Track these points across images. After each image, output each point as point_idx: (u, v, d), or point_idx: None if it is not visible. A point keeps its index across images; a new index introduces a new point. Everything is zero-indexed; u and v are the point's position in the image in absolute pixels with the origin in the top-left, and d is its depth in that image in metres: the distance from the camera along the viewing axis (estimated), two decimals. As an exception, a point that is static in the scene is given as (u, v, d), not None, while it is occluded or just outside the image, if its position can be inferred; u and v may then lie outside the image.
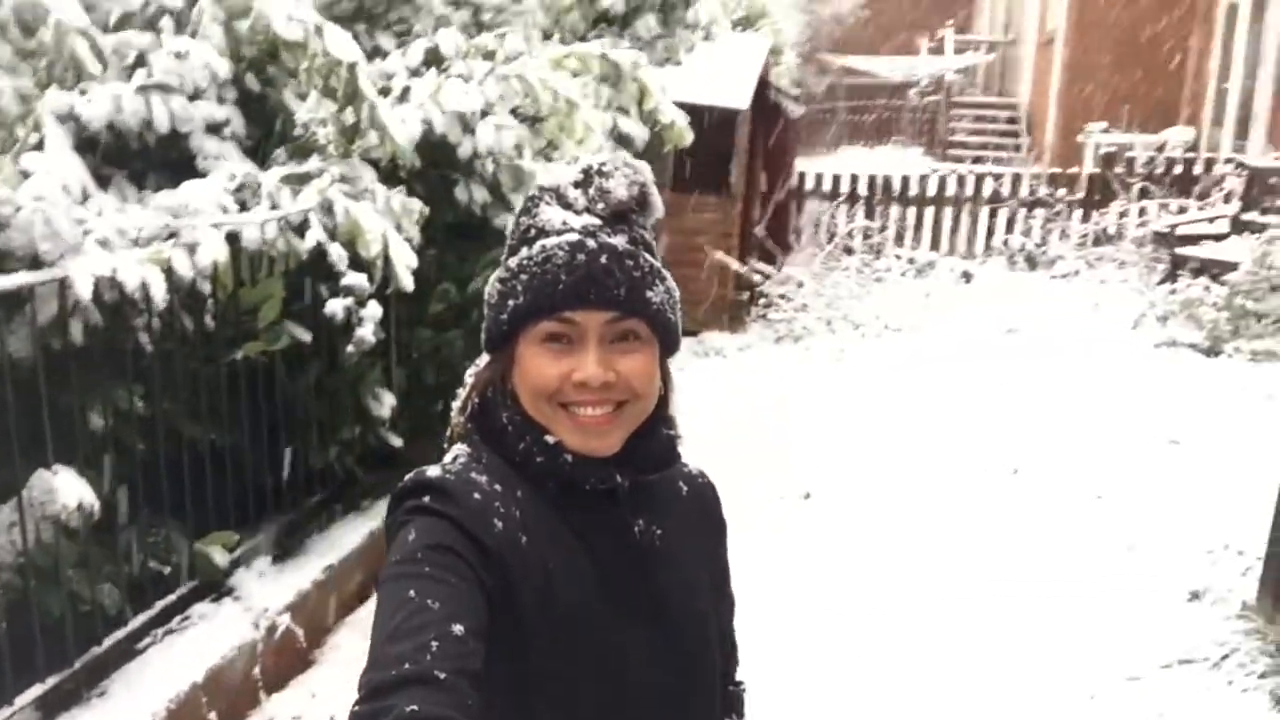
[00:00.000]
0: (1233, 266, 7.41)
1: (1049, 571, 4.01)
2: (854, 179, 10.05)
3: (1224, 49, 13.73)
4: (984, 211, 9.98)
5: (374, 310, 3.54)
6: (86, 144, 3.21)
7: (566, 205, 1.14)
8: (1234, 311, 6.56)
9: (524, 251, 1.13)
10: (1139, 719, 3.05)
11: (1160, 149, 11.68)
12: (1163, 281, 8.35)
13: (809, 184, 9.87)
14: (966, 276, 9.25)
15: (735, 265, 7.88)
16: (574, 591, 1.09)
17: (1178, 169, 9.61)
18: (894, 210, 10.06)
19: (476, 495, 1.08)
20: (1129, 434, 5.34)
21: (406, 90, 4.42)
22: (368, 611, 3.80)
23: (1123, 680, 3.24)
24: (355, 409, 3.99)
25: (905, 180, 10.17)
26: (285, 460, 3.67)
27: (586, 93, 5.31)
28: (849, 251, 9.38)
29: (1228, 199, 8.51)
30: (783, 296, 8.09)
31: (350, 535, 3.95)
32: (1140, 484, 4.72)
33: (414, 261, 3.73)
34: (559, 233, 1.11)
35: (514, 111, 4.88)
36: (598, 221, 1.12)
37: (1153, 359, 6.59)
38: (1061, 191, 9.82)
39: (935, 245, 10.05)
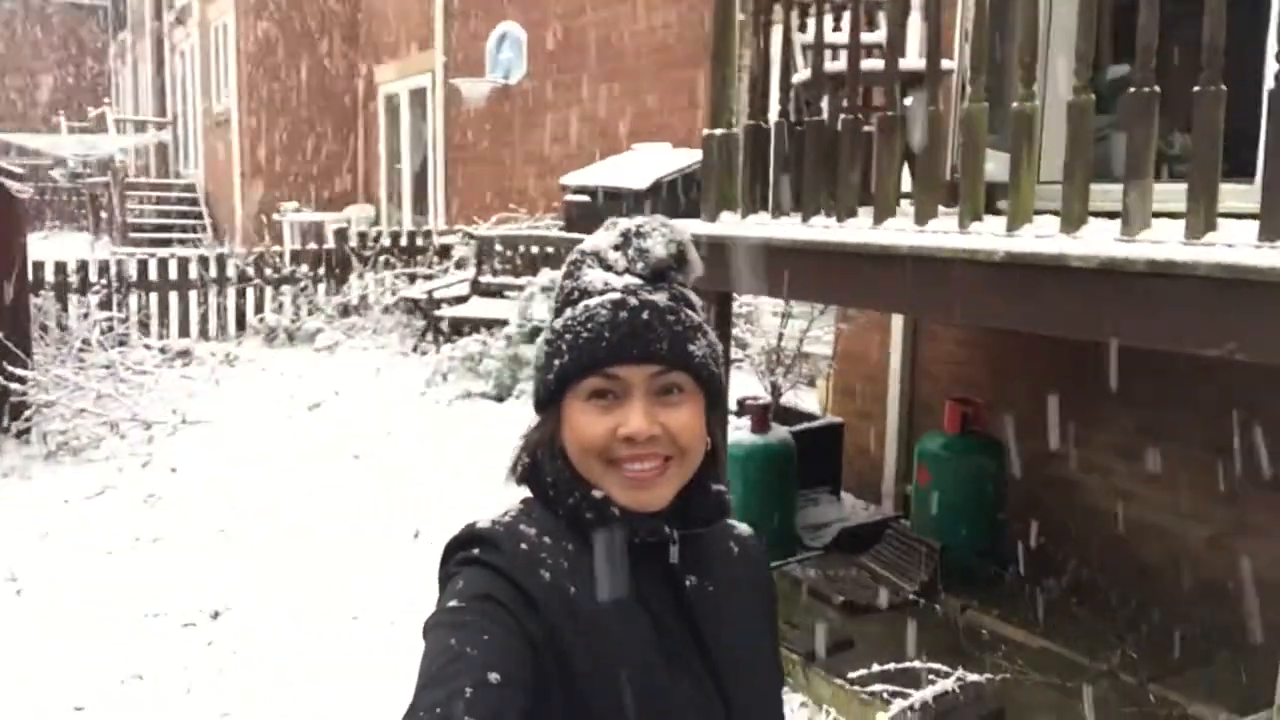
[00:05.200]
0: (481, 321, 8.48)
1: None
2: (83, 265, 8.99)
3: (390, 134, 15.40)
4: (232, 292, 9.75)
5: None
6: None
7: (607, 267, 1.17)
8: (509, 361, 7.50)
9: (568, 312, 1.16)
10: None
11: (347, 224, 12.70)
12: (419, 343, 9.14)
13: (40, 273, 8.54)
14: (230, 359, 8.96)
15: (-18, 375, 6.52)
16: (625, 643, 1.10)
17: (405, 241, 10.53)
18: (134, 299, 9.25)
19: (524, 546, 1.10)
20: (483, 479, 5.80)
21: None
22: None
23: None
24: None
25: (144, 265, 9.42)
26: None
27: None
28: (86, 344, 8.38)
29: (460, 265, 9.66)
30: (48, 404, 6.92)
31: None
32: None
33: None
34: (601, 292, 1.15)
35: None
36: (638, 281, 1.16)
37: (456, 411, 7.20)
38: (304, 268, 10.05)
39: (185, 331, 9.50)
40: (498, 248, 9.11)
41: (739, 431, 4.56)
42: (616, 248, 1.17)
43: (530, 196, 10.91)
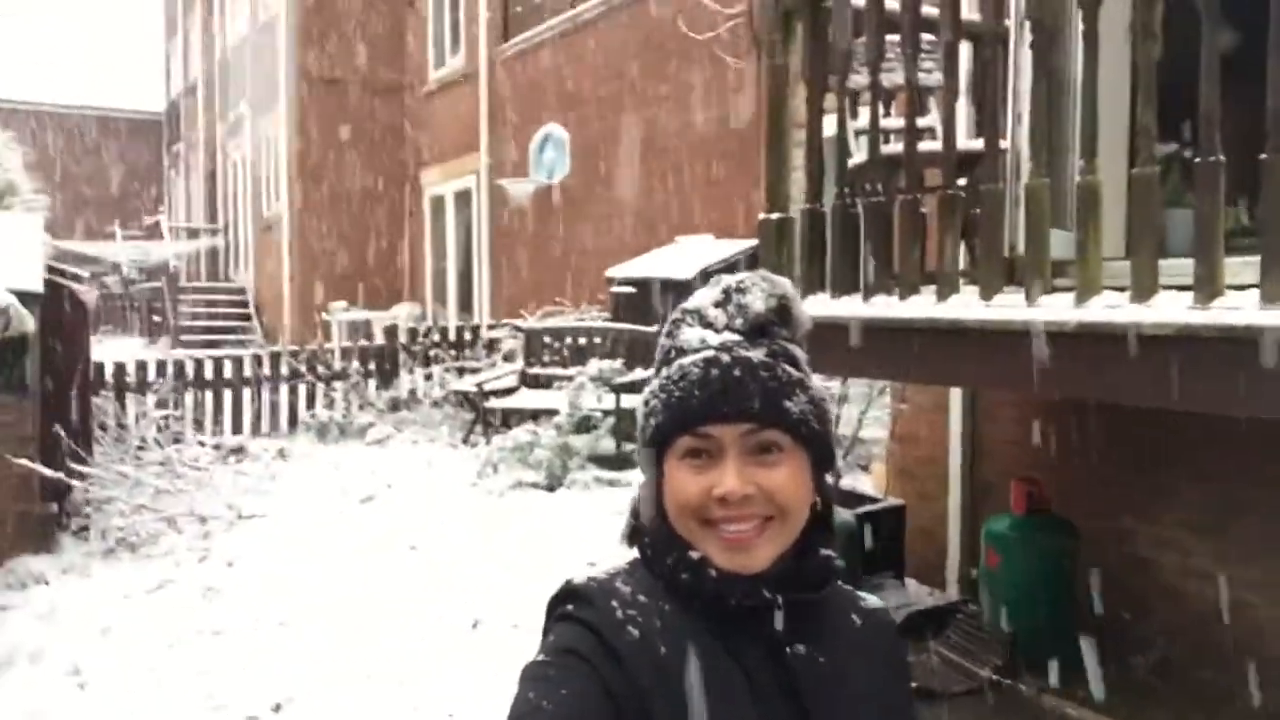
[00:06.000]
0: (530, 412, 8.55)
1: None
2: (141, 365, 9.21)
3: (436, 236, 15.76)
4: (285, 389, 9.91)
5: None
6: None
7: (707, 324, 1.16)
8: (559, 450, 7.53)
9: (664, 372, 1.16)
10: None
11: (395, 322, 12.93)
12: (469, 434, 9.20)
13: (100, 373, 8.76)
14: (283, 454, 9.05)
15: (46, 471, 6.63)
16: (719, 708, 1.07)
17: (453, 335, 10.70)
18: (189, 397, 9.43)
19: (614, 603, 1.10)
20: (536, 570, 5.77)
21: None
22: None
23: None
24: None
25: (199, 364, 9.63)
26: None
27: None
28: (143, 442, 8.54)
29: (508, 357, 9.78)
30: (107, 501, 7.01)
31: None
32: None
33: None
34: (696, 350, 1.14)
35: None
36: (736, 337, 1.14)
37: (508, 502, 7.20)
38: (355, 364, 10.21)
39: (238, 428, 9.64)
40: (545, 339, 9.22)
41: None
42: (717, 304, 1.16)
43: (575, 290, 11.07)
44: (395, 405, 10.08)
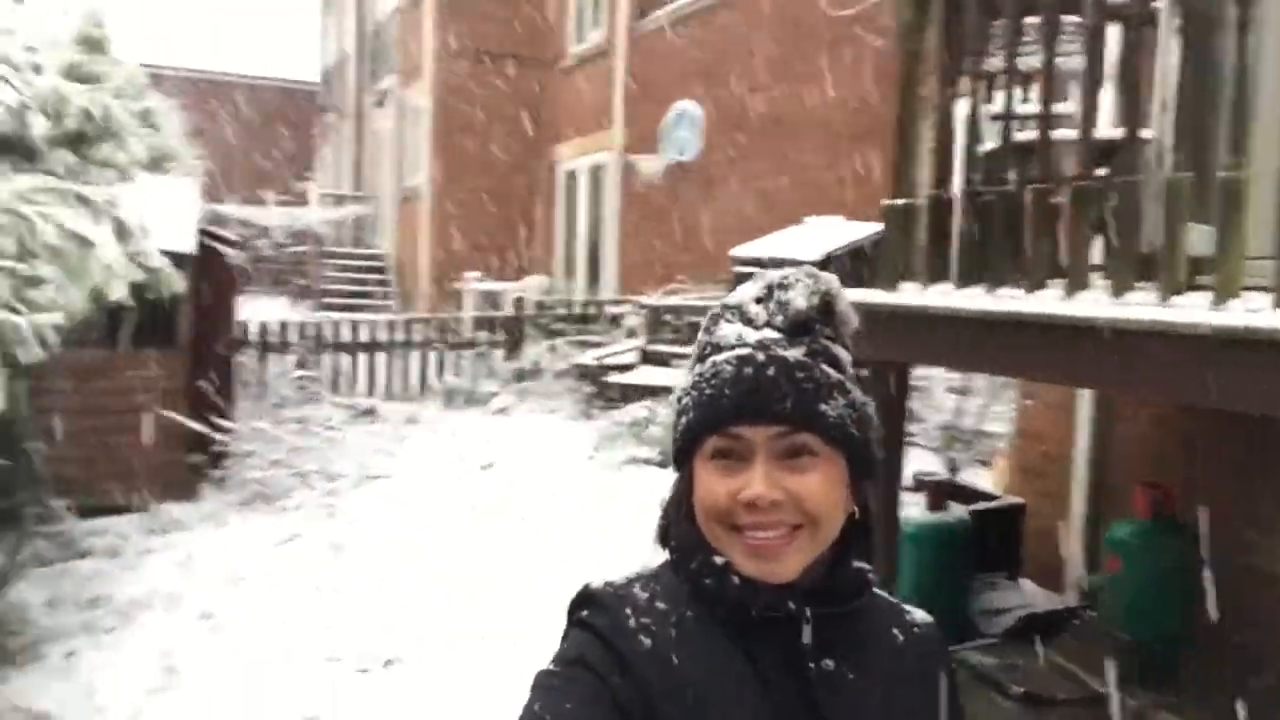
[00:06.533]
0: (647, 388, 8.59)
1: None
2: (283, 326, 9.66)
3: (568, 210, 15.96)
4: (416, 355, 10.23)
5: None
6: None
7: (747, 321, 1.11)
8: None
9: (698, 368, 1.12)
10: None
11: (523, 294, 13.15)
12: (588, 408, 9.32)
13: (244, 332, 9.24)
14: (411, 418, 9.36)
15: (190, 424, 7.03)
16: (731, 716, 1.04)
17: (578, 309, 10.85)
18: (326, 358, 9.83)
19: (628, 610, 1.08)
20: (644, 546, 5.82)
21: None
22: None
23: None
24: None
25: (337, 327, 10.03)
26: None
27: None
28: (280, 403, 8.96)
29: (631, 333, 9.86)
30: (248, 454, 7.39)
31: None
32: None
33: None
34: (731, 348, 1.09)
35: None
36: (775, 335, 1.09)
37: (622, 477, 7.28)
38: (483, 334, 10.46)
39: (371, 391, 10.01)
40: (666, 317, 9.24)
41: (913, 508, 4.43)
42: (759, 300, 1.11)
43: (701, 268, 11.05)
44: (519, 376, 10.29)
